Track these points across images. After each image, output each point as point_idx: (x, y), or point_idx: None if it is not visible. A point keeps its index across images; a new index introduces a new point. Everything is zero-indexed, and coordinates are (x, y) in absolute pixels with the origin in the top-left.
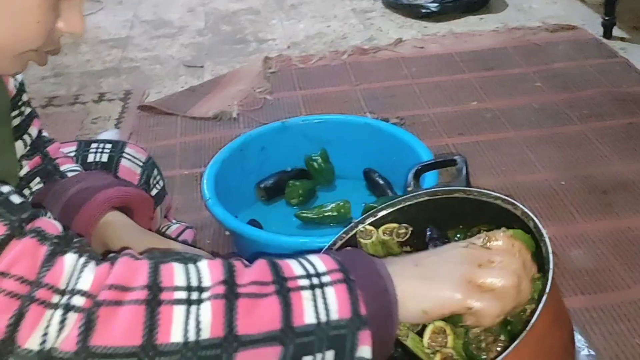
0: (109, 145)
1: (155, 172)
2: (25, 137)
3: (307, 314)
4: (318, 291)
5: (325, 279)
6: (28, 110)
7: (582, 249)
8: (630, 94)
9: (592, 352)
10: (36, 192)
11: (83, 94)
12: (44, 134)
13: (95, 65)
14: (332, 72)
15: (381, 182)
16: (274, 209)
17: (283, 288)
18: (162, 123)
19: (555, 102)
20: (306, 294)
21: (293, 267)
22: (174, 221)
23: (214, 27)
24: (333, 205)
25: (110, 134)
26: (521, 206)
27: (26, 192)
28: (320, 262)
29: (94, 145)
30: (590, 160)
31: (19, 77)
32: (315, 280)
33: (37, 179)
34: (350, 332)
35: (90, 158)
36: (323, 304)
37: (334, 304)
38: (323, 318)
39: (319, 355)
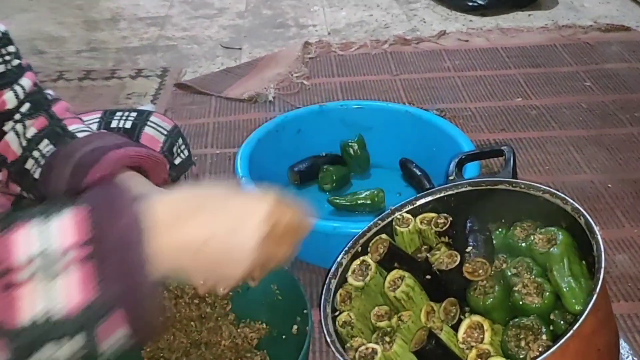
0: (134, 114)
1: (180, 141)
2: (17, 88)
3: (26, 312)
4: (42, 284)
5: (59, 265)
6: (17, 62)
7: (628, 254)
8: None
9: None
10: (47, 155)
11: (120, 69)
12: (48, 92)
13: (133, 42)
14: (372, 61)
15: (418, 172)
16: (306, 193)
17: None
18: (197, 102)
19: (605, 103)
20: (27, 290)
21: (20, 248)
22: None
23: (255, 10)
24: (367, 193)
25: (146, 109)
26: (572, 201)
27: (36, 154)
28: (59, 234)
29: (119, 113)
30: (639, 164)
31: (2, 27)
32: (42, 270)
33: (46, 141)
34: (91, 322)
35: (114, 124)
36: (48, 298)
37: (65, 295)
38: (42, 319)
39: (65, 340)
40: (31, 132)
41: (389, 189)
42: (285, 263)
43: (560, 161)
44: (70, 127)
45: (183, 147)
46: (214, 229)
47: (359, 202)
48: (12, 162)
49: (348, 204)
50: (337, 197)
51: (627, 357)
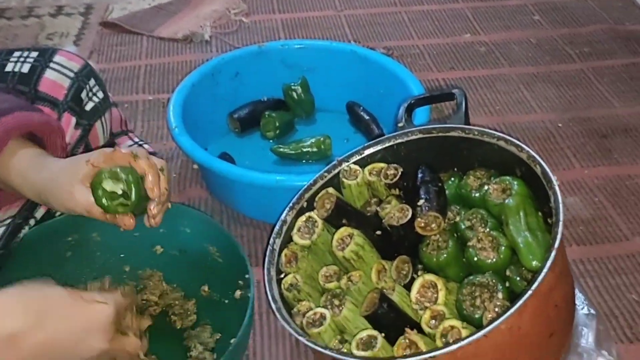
0: (34, 54)
1: (92, 82)
2: None
3: None
4: None
5: None
6: None
7: (579, 196)
8: (633, 32)
9: (593, 311)
10: None
11: (39, 6)
12: None
13: None
14: None
15: (366, 116)
16: (248, 141)
17: None
18: (126, 42)
19: (554, 38)
20: None
21: None
22: (136, 140)
23: None
24: (313, 140)
25: (49, 47)
26: (527, 148)
27: None
28: None
29: (17, 53)
30: (589, 101)
31: None
32: None
33: None
34: None
35: (9, 67)
36: None
37: None
38: None
39: None
40: None
41: (336, 135)
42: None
43: (510, 100)
44: None
45: (96, 88)
46: (60, 333)
47: (305, 150)
48: None
49: (293, 152)
50: (281, 146)
51: (582, 307)
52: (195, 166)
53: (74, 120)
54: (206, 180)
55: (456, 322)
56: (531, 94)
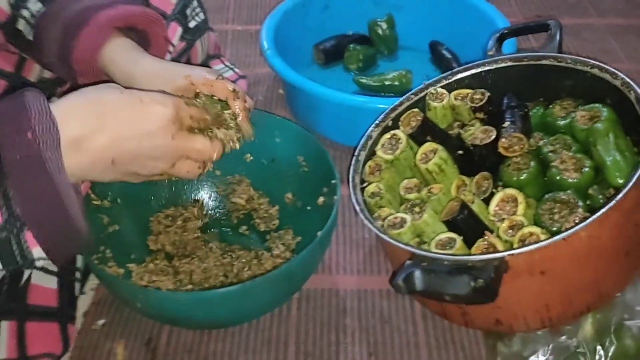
0: None
1: (195, 3)
2: None
3: None
4: None
5: None
6: None
7: None
8: None
9: None
10: (37, 15)
11: None
12: None
13: None
14: None
15: (448, 55)
16: (331, 73)
17: None
18: None
19: None
20: None
21: None
22: (227, 64)
23: None
24: (395, 74)
25: None
26: (622, 75)
27: (25, 13)
28: None
29: None
30: None
31: None
32: None
33: None
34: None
35: None
36: None
37: None
38: None
39: None
40: None
41: (417, 71)
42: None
43: (596, 50)
44: None
45: (198, 9)
46: (123, 134)
47: (386, 82)
48: (3, 22)
49: (374, 84)
50: (363, 77)
51: None
52: (281, 91)
53: (180, 29)
54: (292, 103)
55: (535, 229)
56: (619, 45)
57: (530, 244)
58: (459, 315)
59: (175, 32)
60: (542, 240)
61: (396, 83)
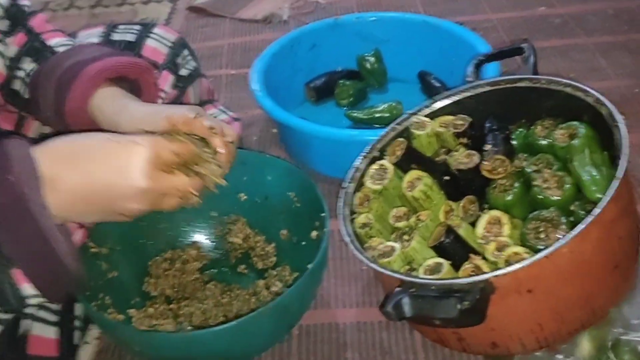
0: (137, 27)
1: (186, 52)
2: None
3: None
4: None
5: None
6: None
7: None
8: None
9: None
10: (31, 74)
11: None
12: (24, 2)
13: None
14: None
15: (437, 84)
16: (323, 109)
17: None
18: (211, 24)
19: (632, 8)
20: None
21: None
22: (221, 108)
23: None
24: (385, 105)
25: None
26: (593, 92)
27: (20, 73)
28: None
29: (122, 26)
30: None
31: None
32: None
33: (28, 59)
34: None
35: (116, 37)
36: None
37: None
38: None
39: None
40: (12, 50)
41: (407, 102)
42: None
43: (585, 68)
44: (50, 42)
45: (189, 57)
46: (95, 173)
47: (377, 115)
48: (1, 84)
49: (365, 117)
50: (354, 111)
51: None
52: (275, 130)
53: (172, 77)
54: (285, 141)
55: (519, 249)
56: (607, 62)
57: (514, 263)
58: (455, 341)
59: (166, 80)
60: (524, 259)
61: (387, 114)
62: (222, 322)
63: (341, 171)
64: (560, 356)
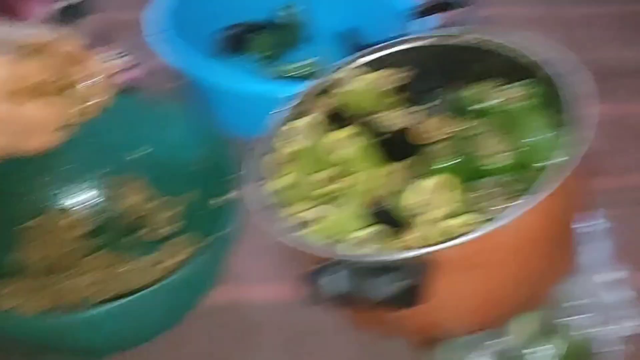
0: None
1: None
2: None
3: None
4: None
5: None
6: None
7: None
8: None
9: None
10: None
11: None
12: None
13: None
14: None
15: (362, 43)
16: (234, 64)
17: None
18: None
19: None
20: None
21: None
22: (117, 52)
23: None
24: (304, 62)
25: None
26: (539, 50)
27: None
28: None
29: None
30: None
31: None
32: None
33: None
34: None
35: None
36: None
37: None
38: None
39: None
40: None
41: (328, 61)
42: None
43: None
44: None
45: None
46: None
47: (295, 73)
48: None
49: (282, 74)
50: (268, 67)
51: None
52: (177, 84)
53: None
54: (190, 95)
55: (467, 218)
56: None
57: (460, 235)
58: (386, 324)
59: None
60: (472, 232)
61: (306, 73)
62: (106, 301)
63: (254, 131)
64: (506, 338)
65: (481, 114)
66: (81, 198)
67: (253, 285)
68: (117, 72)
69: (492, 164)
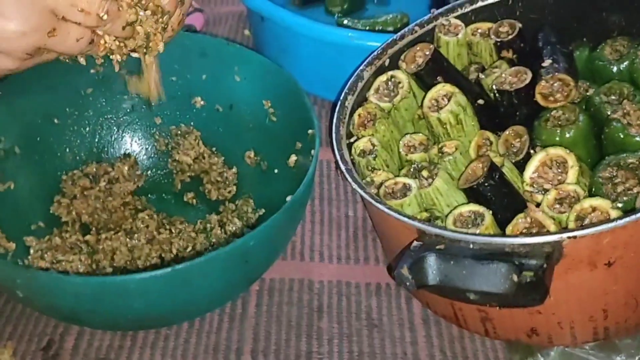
0: None
1: None
2: None
3: None
4: None
5: None
6: None
7: None
8: None
9: None
10: None
11: None
12: None
13: None
14: None
15: None
16: (310, 16)
17: None
18: None
19: None
20: None
21: None
22: None
23: None
24: (388, 17)
25: None
26: None
27: None
28: None
29: None
30: None
31: None
32: None
33: None
34: None
35: None
36: None
37: None
38: None
39: None
40: None
41: (414, 17)
42: None
43: None
44: None
45: None
46: None
47: (378, 27)
48: None
49: (362, 28)
50: (348, 19)
51: None
52: (247, 32)
53: None
54: (261, 45)
55: (601, 202)
56: None
57: (598, 223)
58: (477, 321)
59: None
60: (614, 219)
61: (389, 28)
62: (156, 266)
63: (332, 89)
64: (621, 356)
65: (615, 77)
66: (134, 149)
67: (317, 263)
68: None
69: (630, 137)
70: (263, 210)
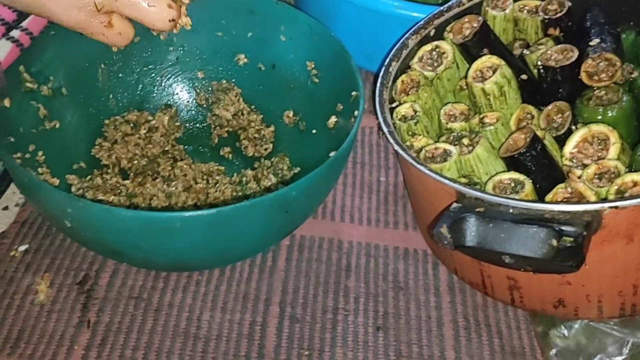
0: None
1: None
2: None
3: None
4: None
5: None
6: None
7: None
8: None
9: None
10: None
11: None
12: None
13: None
14: None
15: None
16: None
17: None
18: None
19: None
20: None
21: None
22: None
23: None
24: None
25: None
26: None
27: None
28: None
29: None
30: None
31: None
32: None
33: None
34: None
35: None
36: None
37: None
38: None
39: None
40: None
41: None
42: None
43: None
44: None
45: None
46: None
47: None
48: None
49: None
50: None
51: None
52: None
53: None
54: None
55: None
56: None
57: (633, 196)
58: (505, 289)
59: None
60: None
61: (432, 1)
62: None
63: (375, 61)
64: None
65: None
66: (175, 101)
67: (349, 224)
68: None
69: None
70: (299, 169)
